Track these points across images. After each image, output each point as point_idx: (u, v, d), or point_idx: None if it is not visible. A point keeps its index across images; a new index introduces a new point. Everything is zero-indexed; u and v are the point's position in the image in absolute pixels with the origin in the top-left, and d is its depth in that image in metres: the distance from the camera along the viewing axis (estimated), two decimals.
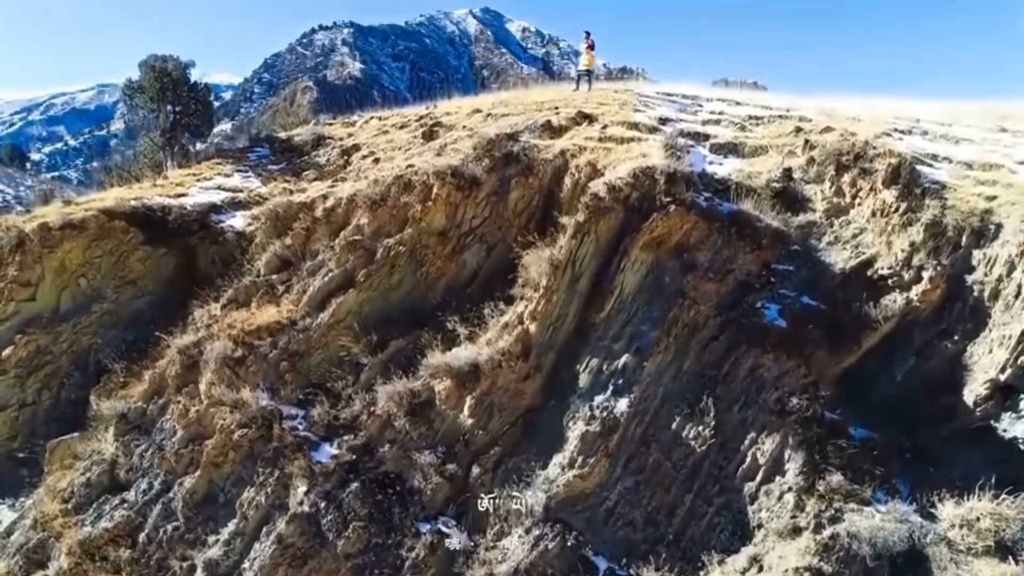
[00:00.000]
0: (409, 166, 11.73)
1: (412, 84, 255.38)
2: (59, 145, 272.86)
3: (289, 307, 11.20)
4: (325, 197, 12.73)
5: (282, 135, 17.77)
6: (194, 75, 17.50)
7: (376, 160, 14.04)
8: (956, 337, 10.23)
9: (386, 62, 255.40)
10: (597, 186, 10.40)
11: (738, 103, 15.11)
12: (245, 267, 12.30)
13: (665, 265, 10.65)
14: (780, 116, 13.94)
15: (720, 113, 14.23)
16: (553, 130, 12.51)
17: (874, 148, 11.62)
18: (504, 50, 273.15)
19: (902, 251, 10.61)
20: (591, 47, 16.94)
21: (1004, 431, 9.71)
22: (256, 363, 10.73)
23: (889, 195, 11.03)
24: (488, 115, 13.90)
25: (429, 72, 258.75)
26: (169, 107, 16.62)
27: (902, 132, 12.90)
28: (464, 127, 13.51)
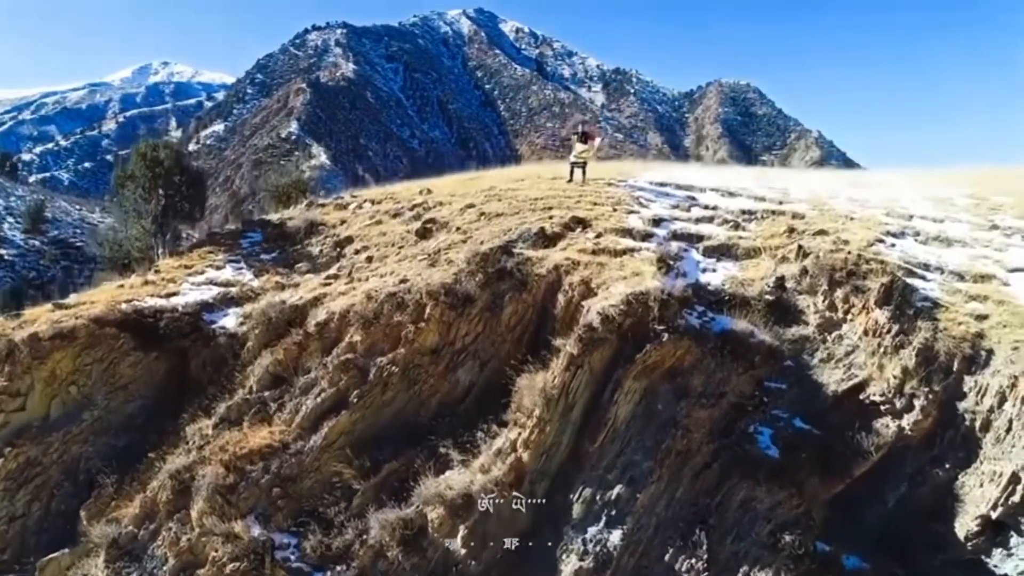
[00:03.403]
0: (402, 281, 11.66)
1: (405, 84, 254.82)
2: (50, 145, 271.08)
3: (281, 428, 11.14)
4: (318, 301, 12.66)
5: (274, 218, 17.63)
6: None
7: (369, 259, 13.98)
8: (948, 465, 10.30)
9: (379, 63, 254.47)
10: (591, 315, 10.38)
11: (731, 193, 15.11)
12: (237, 378, 12.21)
13: (658, 390, 10.64)
14: (773, 212, 13.96)
15: (714, 208, 14.24)
16: (547, 238, 12.47)
17: (867, 263, 11.66)
18: (498, 51, 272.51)
19: (894, 377, 10.65)
20: (586, 139, 16.75)
21: (995, 567, 9.76)
22: (248, 489, 10.67)
23: (881, 316, 11.08)
24: (481, 214, 13.86)
25: (423, 73, 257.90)
26: (161, 191, 16.49)
27: (895, 236, 12.95)
28: (458, 228, 13.47)
